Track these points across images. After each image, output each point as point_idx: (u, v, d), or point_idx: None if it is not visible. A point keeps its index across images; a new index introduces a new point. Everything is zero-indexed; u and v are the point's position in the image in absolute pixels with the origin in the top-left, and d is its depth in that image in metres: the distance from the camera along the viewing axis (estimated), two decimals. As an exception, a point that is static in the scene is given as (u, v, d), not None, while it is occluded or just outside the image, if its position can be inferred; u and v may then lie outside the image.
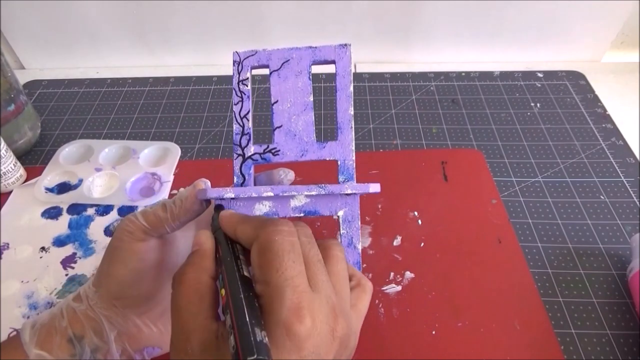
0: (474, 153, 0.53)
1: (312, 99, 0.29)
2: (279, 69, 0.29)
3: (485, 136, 0.56)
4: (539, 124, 0.57)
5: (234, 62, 0.29)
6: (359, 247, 0.27)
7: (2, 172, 0.49)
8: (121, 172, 0.52)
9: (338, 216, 0.27)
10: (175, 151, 0.55)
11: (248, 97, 0.29)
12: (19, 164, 0.51)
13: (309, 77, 0.29)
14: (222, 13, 0.65)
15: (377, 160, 0.53)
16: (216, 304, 0.23)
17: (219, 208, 0.27)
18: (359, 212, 0.27)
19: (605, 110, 0.58)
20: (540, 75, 0.65)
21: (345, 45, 0.29)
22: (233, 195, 0.27)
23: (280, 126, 0.29)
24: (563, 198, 0.48)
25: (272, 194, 0.27)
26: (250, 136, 0.29)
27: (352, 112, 0.28)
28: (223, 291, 0.22)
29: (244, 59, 0.29)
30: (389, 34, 0.67)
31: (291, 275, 0.21)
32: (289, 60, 0.29)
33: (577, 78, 0.64)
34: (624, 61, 0.68)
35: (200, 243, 0.25)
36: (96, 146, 0.55)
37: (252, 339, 0.18)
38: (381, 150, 0.54)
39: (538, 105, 0.60)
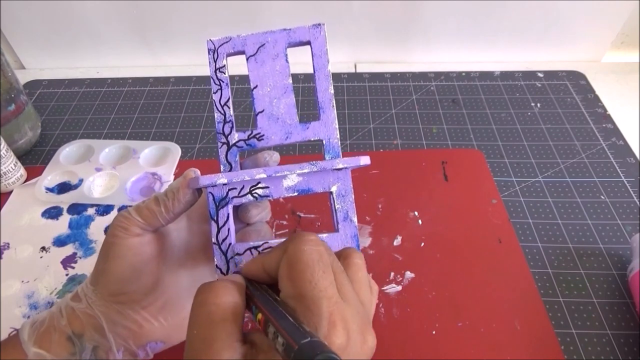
0: (474, 153, 0.53)
1: (291, 82, 0.29)
2: (255, 53, 0.29)
3: (486, 136, 0.56)
4: (539, 124, 0.57)
5: (209, 50, 0.29)
6: (355, 219, 0.28)
7: (2, 172, 0.49)
8: (121, 172, 0.52)
9: (332, 192, 0.28)
10: (175, 151, 0.55)
11: (227, 84, 0.29)
12: (19, 163, 0.51)
13: (286, 60, 0.29)
14: (222, 13, 0.65)
15: (377, 160, 0.52)
16: (242, 331, 0.23)
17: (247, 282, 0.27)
18: (351, 185, 0.28)
19: (605, 110, 0.58)
20: (540, 75, 0.65)
21: (319, 24, 0.29)
22: (226, 181, 0.27)
23: (262, 111, 0.29)
24: (563, 198, 0.48)
25: (264, 175, 0.27)
26: (232, 123, 0.29)
27: (332, 91, 0.28)
28: (259, 315, 0.21)
29: (219, 46, 0.29)
30: (389, 34, 0.67)
31: (324, 286, 0.21)
32: (264, 44, 0.29)
33: (577, 78, 0.64)
34: (624, 61, 0.68)
35: (234, 277, 0.25)
36: (96, 146, 0.55)
37: (301, 330, 0.18)
38: (381, 150, 0.54)
39: (538, 105, 0.60)
